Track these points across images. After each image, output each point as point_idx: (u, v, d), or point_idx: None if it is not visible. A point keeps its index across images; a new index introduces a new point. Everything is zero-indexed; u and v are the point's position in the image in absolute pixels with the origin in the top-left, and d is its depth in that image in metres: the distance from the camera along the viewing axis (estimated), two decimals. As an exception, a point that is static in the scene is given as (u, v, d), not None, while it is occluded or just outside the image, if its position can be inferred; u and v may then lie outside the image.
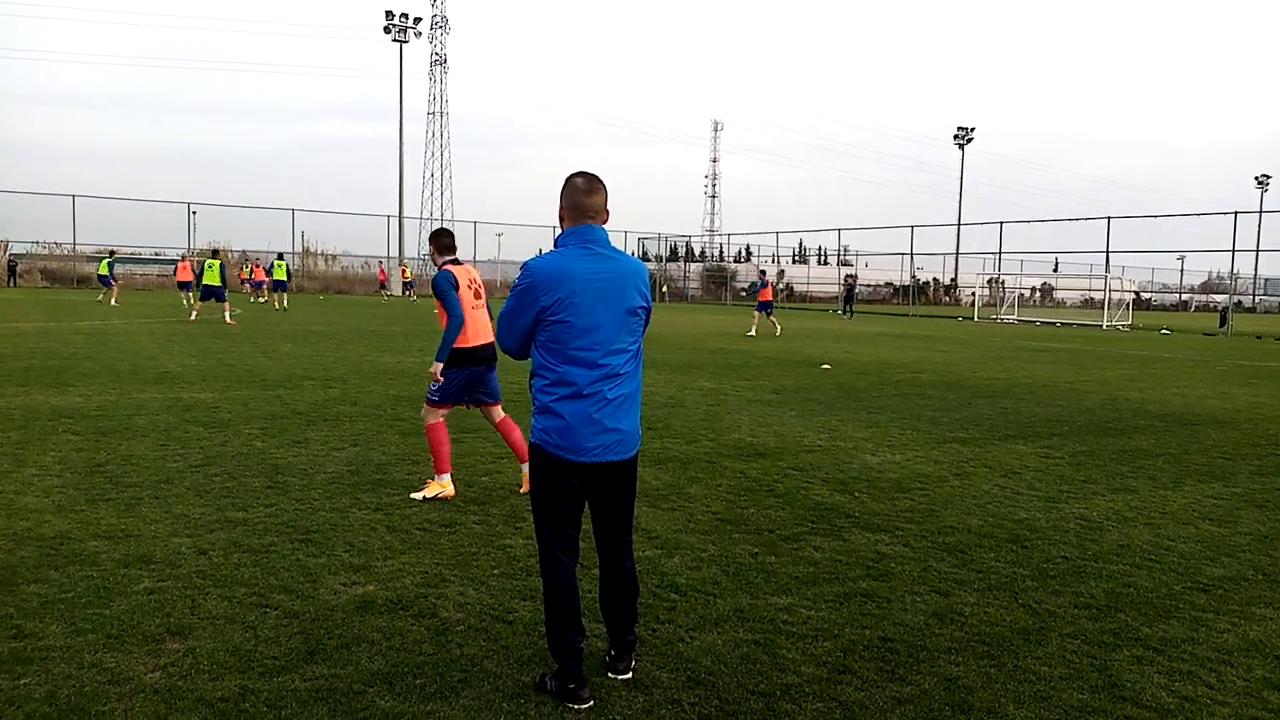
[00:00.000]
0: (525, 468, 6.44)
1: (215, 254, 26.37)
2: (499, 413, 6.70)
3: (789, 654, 3.96)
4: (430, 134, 78.32)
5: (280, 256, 34.39)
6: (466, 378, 6.46)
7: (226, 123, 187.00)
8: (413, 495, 6.40)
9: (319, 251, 58.37)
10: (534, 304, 3.42)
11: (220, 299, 23.86)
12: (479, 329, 6.45)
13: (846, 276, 48.89)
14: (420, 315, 31.15)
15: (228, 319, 23.31)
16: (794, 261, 78.52)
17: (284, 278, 33.29)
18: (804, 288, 64.94)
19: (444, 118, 78.10)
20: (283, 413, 9.69)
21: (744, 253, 78.15)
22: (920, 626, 4.31)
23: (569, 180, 3.56)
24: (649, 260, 67.68)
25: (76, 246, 49.66)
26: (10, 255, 48.28)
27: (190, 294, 29.37)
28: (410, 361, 15.39)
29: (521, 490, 6.53)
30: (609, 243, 3.55)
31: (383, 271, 51.61)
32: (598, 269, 3.45)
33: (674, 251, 73.76)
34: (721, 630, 4.19)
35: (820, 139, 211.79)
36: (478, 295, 6.55)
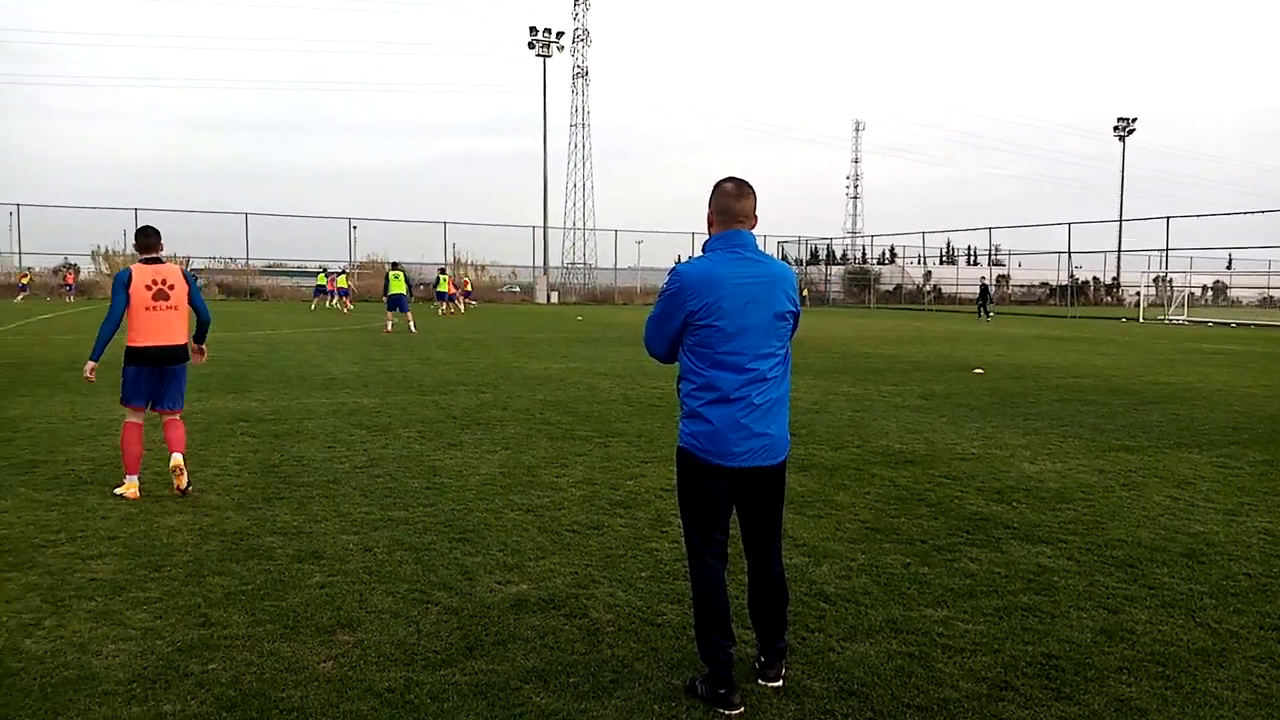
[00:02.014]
0: (131, 480, 6.40)
1: (395, 265, 27.44)
2: (173, 420, 6.60)
3: (946, 668, 3.84)
4: (572, 145, 79.87)
5: (443, 271, 37.76)
6: (135, 375, 6.43)
7: (381, 141, 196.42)
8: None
9: (468, 262, 60.48)
10: (682, 308, 3.44)
11: (404, 309, 24.72)
12: (151, 329, 6.41)
13: (981, 278, 47.06)
14: (564, 324, 31.82)
15: (411, 328, 24.14)
16: (941, 262, 76.15)
17: (445, 289, 36.44)
18: (952, 289, 62.81)
19: (585, 129, 79.53)
20: (439, 417, 10.09)
21: (887, 254, 76.34)
22: (1087, 644, 4.11)
23: (719, 185, 3.56)
24: (789, 264, 66.98)
25: (249, 261, 53.09)
26: (190, 270, 52.13)
27: (323, 299, 31.71)
28: (556, 368, 15.74)
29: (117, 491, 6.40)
30: (757, 247, 3.55)
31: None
32: (746, 273, 3.45)
33: (814, 254, 72.71)
34: (874, 641, 4.11)
35: (967, 134, 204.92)
36: (161, 296, 6.43)
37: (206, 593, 4.58)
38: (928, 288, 62.58)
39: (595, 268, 69.48)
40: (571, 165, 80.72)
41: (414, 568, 5.00)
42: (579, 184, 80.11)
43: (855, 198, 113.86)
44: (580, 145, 79.79)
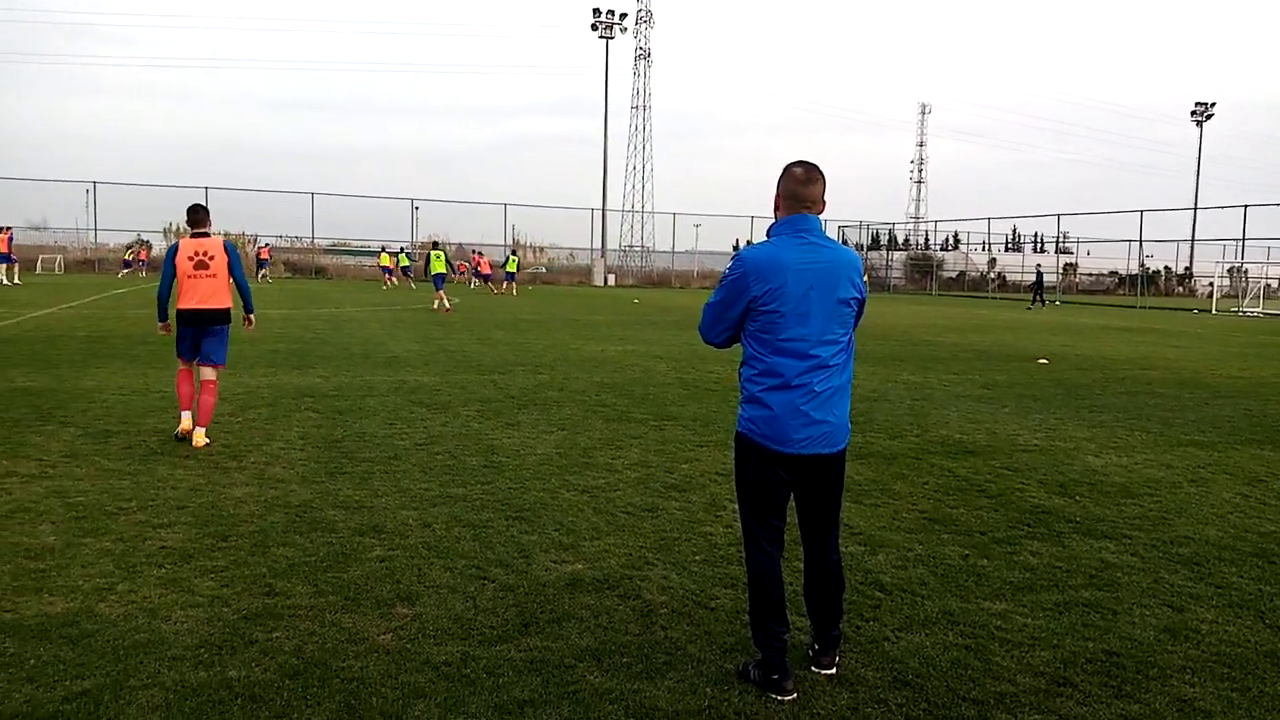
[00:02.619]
0: (186, 416, 7.45)
1: (436, 245, 28.32)
2: (205, 373, 7.50)
3: (1003, 661, 3.79)
4: (633, 127, 79.66)
5: (514, 252, 40.60)
6: (181, 333, 7.47)
7: (443, 122, 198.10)
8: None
9: (528, 244, 60.90)
10: (745, 293, 3.42)
11: (439, 287, 25.47)
12: (191, 294, 7.41)
13: (1037, 265, 46.01)
14: (621, 306, 31.88)
15: (446, 305, 24.73)
16: (1006, 249, 74.58)
17: (514, 269, 38.60)
18: (1017, 277, 61.48)
19: (647, 111, 79.27)
20: (497, 396, 10.20)
21: (951, 240, 75.00)
22: (1150, 642, 4.02)
23: (787, 169, 3.53)
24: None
25: (315, 240, 54.09)
26: (258, 248, 53.21)
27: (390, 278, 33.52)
28: (613, 350, 15.79)
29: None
30: (823, 232, 3.51)
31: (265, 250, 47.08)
32: (811, 259, 3.42)
33: (876, 239, 71.73)
34: (930, 632, 4.07)
35: (1037, 117, 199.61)
36: (201, 265, 7.40)
37: (271, 563, 4.70)
38: (992, 275, 61.34)
39: (653, 250, 69.36)
40: (631, 148, 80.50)
41: (471, 544, 5.08)
42: (638, 166, 79.94)
43: (919, 182, 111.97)
44: (641, 128, 79.55)
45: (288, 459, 6.95)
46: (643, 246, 70.56)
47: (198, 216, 7.54)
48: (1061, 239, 61.73)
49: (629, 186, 79.60)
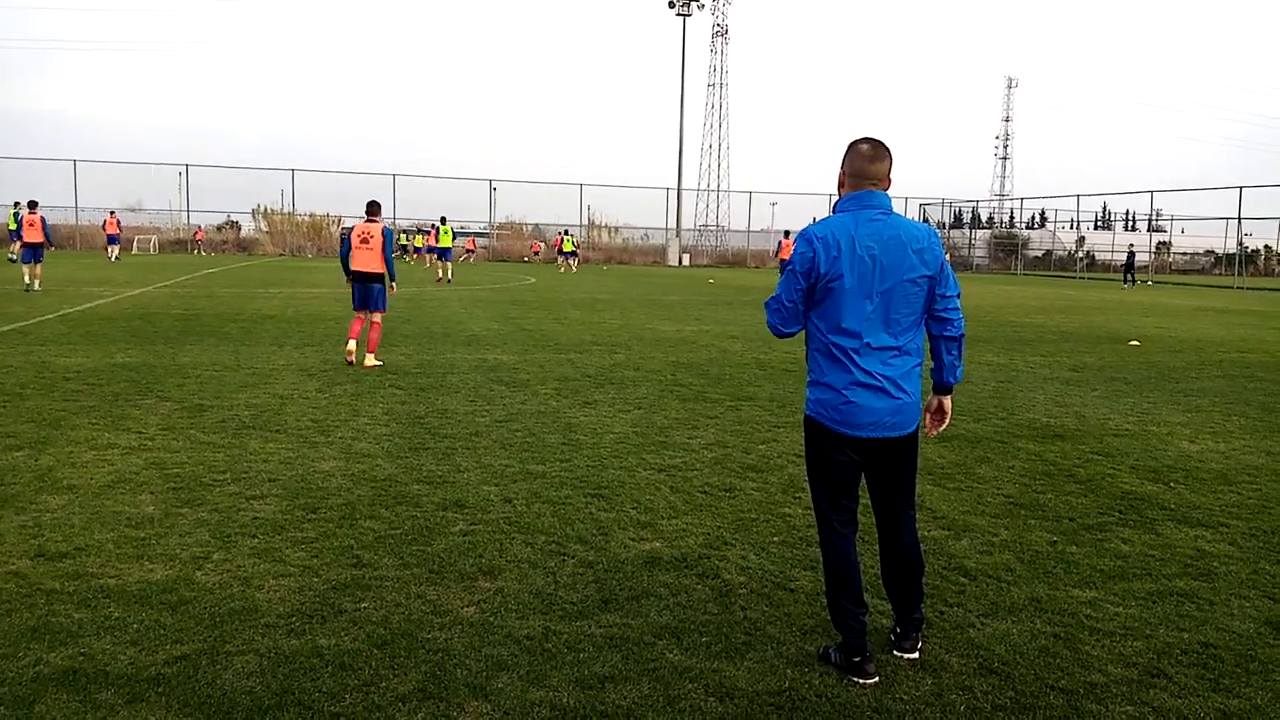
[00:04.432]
0: (352, 344, 10.48)
1: (444, 220, 31.05)
2: (374, 317, 10.60)
3: (1093, 651, 3.69)
4: (709, 105, 79.14)
5: (565, 231, 39.63)
6: (353, 290, 10.60)
7: (522, 102, 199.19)
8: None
9: (603, 224, 60.98)
10: (812, 271, 3.36)
11: (447, 259, 29.40)
12: (358, 261, 10.54)
13: (1129, 245, 44.40)
14: (696, 286, 31.79)
15: (448, 277, 28.56)
16: (1095, 227, 72.17)
17: (572, 249, 38.74)
18: (1107, 256, 59.39)
19: (723, 89, 78.63)
20: (574, 375, 10.28)
21: (1038, 218, 72.85)
22: (1250, 635, 3.87)
23: (853, 146, 3.46)
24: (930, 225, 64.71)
25: (396, 220, 55.06)
26: (342, 228, 54.44)
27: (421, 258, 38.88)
28: (689, 330, 15.76)
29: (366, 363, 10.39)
30: (891, 209, 3.43)
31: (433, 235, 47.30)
32: (877, 236, 3.34)
33: (958, 218, 70.05)
34: (1016, 619, 3.98)
35: (1129, 91, 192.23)
36: (364, 242, 10.55)
37: (359, 535, 4.82)
38: (1080, 254, 59.42)
39: (728, 230, 68.87)
40: (708, 126, 79.98)
41: (551, 520, 5.13)
42: (714, 145, 79.41)
43: (1005, 158, 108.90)
44: (717, 106, 78.97)
45: (373, 434, 7.11)
46: (718, 225, 70.22)
47: (371, 208, 10.86)
48: (1155, 216, 59.44)
49: (705, 165, 79.22)
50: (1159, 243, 60.33)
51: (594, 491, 5.71)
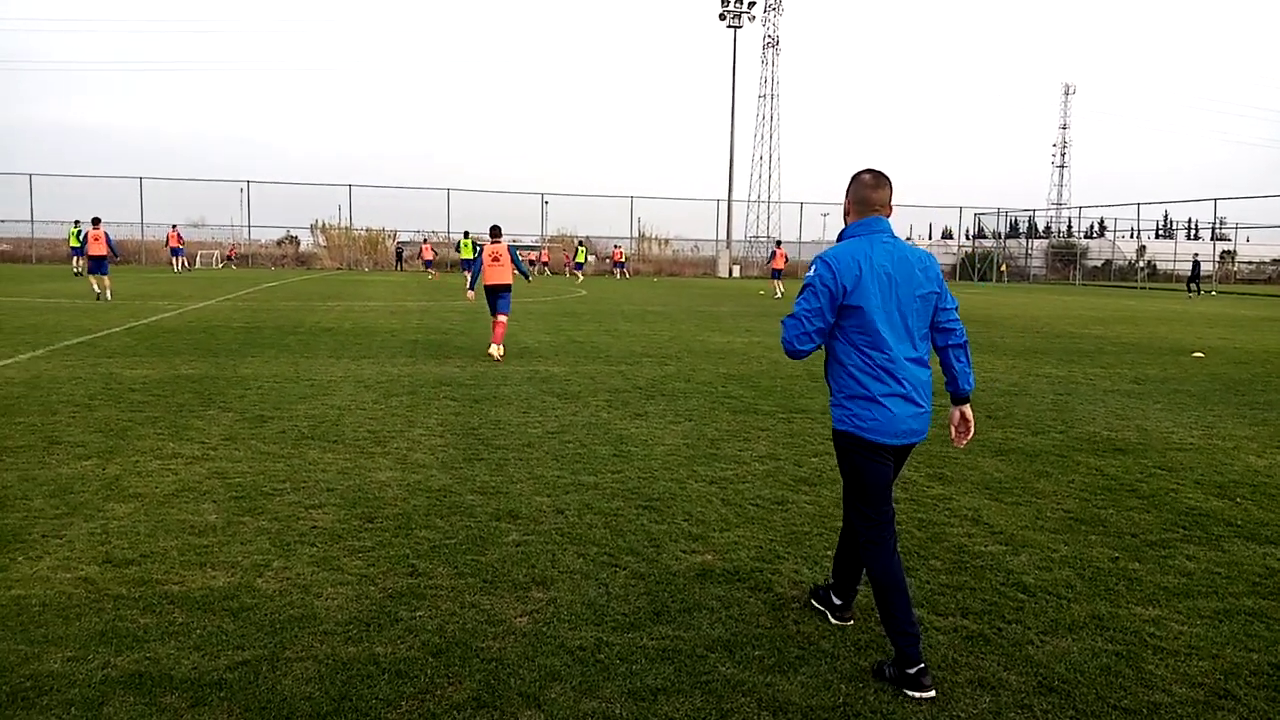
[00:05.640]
0: (495, 347, 12.61)
1: (467, 234, 31.85)
2: (500, 318, 12.67)
3: (1157, 670, 3.60)
4: (760, 116, 79.05)
5: (619, 241, 38.26)
6: (486, 298, 12.80)
7: (575, 115, 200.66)
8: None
9: (653, 236, 61.07)
10: (837, 293, 3.53)
11: (466, 269, 29.96)
12: (489, 275, 12.77)
13: (1194, 254, 43.36)
14: (746, 297, 31.72)
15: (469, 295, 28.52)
16: (1156, 236, 70.51)
17: (624, 260, 38.70)
18: (1169, 265, 57.94)
19: (774, 99, 78.45)
20: (624, 387, 10.31)
21: (1096, 227, 71.46)
22: (1324, 657, 3.74)
23: (857, 177, 3.73)
24: (985, 238, 63.85)
25: (449, 234, 55.76)
26: (398, 243, 55.24)
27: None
28: (740, 341, 15.72)
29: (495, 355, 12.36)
30: (893, 233, 3.70)
31: (428, 247, 47.88)
32: (887, 257, 3.56)
33: (1014, 227, 68.95)
34: (1077, 637, 3.90)
35: (1190, 96, 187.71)
36: (495, 260, 12.78)
37: (414, 544, 4.89)
38: (1140, 264, 58.10)
39: (780, 241, 68.57)
40: (759, 137, 79.90)
41: (603, 532, 5.15)
42: (765, 156, 79.24)
43: (1062, 167, 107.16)
44: (768, 116, 78.85)
45: (428, 445, 7.20)
46: (769, 237, 69.91)
47: (494, 230, 13.23)
48: (1218, 225, 57.94)
49: (756, 176, 79.08)
50: (1223, 251, 58.81)
51: (645, 503, 5.72)
